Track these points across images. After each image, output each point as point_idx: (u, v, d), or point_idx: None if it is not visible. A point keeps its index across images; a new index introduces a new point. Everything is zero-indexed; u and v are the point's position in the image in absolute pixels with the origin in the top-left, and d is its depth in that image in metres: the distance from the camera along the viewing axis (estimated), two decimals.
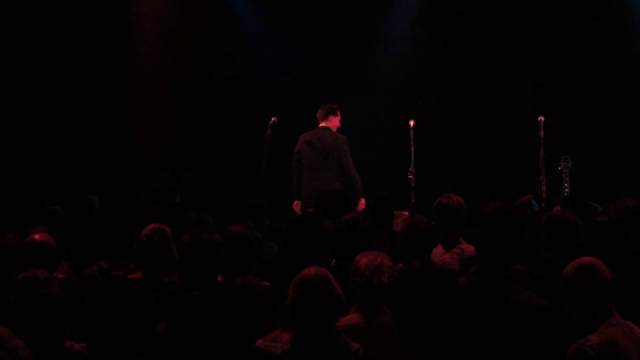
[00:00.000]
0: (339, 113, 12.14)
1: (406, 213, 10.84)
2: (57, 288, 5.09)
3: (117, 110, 14.79)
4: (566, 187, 12.01)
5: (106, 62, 14.77)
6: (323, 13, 15.01)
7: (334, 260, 6.74)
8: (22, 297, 5.02)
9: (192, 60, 15.10)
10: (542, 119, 12.03)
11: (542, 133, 11.98)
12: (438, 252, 7.41)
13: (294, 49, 15.25)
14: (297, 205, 11.97)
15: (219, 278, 6.39)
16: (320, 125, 12.16)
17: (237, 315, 5.00)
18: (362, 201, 11.73)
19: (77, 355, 5.12)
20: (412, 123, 12.16)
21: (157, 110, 15.04)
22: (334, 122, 12.10)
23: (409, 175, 12.05)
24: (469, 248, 7.36)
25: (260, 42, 15.40)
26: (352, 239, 6.61)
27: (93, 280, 6.97)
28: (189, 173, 14.57)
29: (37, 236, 6.92)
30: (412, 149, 12.10)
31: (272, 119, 12.41)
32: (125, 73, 15.02)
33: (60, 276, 6.76)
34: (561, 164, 12.09)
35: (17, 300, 5.04)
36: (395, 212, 9.78)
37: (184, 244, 6.27)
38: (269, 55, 15.36)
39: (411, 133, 12.12)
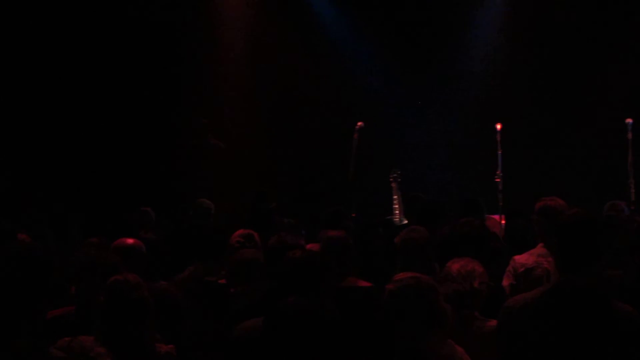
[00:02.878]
0: None
1: (495, 216, 10.81)
2: (147, 292, 5.12)
3: (209, 117, 14.99)
4: None
5: (195, 72, 14.98)
6: (409, 16, 15.01)
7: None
8: (114, 300, 5.01)
9: (278, 66, 15.21)
10: (631, 121, 11.90)
11: (630, 135, 11.86)
12: (537, 252, 7.25)
13: (380, 53, 15.29)
14: None
15: None
16: None
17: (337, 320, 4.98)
18: None
19: (165, 357, 5.13)
20: (499, 126, 12.10)
21: (246, 117, 15.17)
22: None
23: (497, 178, 12.00)
24: None
25: (346, 46, 15.46)
26: (469, 242, 6.53)
27: (185, 285, 7.07)
28: (277, 179, 14.66)
29: (129, 241, 6.65)
30: (499, 152, 12.05)
31: (359, 123, 12.46)
32: (214, 82, 15.19)
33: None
34: None
35: (109, 303, 5.03)
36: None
37: (268, 247, 6.32)
38: (355, 59, 15.41)
39: (498, 136, 12.07)
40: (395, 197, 12.19)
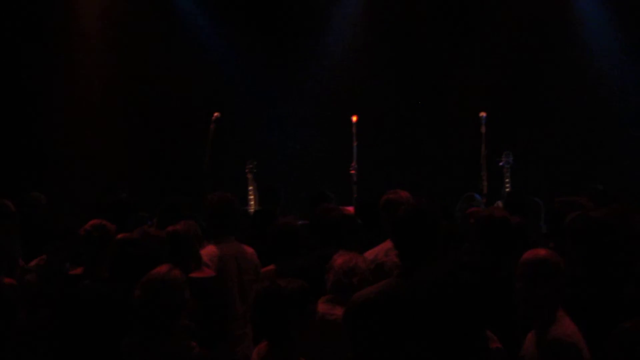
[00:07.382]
0: None
1: (350, 208, 10.87)
2: None
3: (62, 108, 14.73)
4: (507, 183, 12.08)
5: (48, 62, 14.67)
6: (267, 6, 15.01)
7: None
8: None
9: (133, 57, 15.00)
10: (484, 114, 12.12)
11: (483, 129, 12.08)
12: (387, 247, 7.23)
13: (236, 44, 15.21)
14: None
15: None
16: None
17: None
18: None
19: None
20: (354, 119, 12.18)
21: (101, 108, 14.92)
22: None
23: (352, 170, 12.08)
24: None
25: (203, 37, 15.34)
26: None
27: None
28: (132, 170, 14.46)
29: None
30: (355, 144, 12.13)
31: (215, 114, 12.41)
32: (67, 71, 14.91)
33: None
34: (502, 159, 12.14)
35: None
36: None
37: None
38: (211, 50, 15.30)
39: (353, 129, 12.15)
40: (250, 187, 12.16)
